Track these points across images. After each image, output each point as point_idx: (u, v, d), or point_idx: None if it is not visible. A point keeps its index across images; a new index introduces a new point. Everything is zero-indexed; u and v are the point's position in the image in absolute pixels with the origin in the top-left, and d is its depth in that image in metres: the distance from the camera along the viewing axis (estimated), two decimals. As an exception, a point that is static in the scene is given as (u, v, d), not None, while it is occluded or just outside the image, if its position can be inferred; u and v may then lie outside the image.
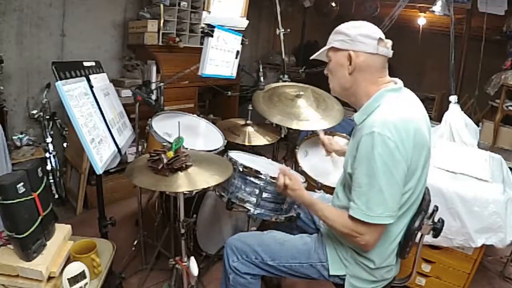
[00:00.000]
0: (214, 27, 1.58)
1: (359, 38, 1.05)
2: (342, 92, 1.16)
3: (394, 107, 1.03)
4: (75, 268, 1.10)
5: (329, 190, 1.76)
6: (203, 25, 1.60)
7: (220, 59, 1.71)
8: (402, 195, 1.02)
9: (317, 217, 1.20)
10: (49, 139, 2.45)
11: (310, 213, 1.49)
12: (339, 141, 1.60)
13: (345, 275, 1.16)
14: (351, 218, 1.03)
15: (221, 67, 1.74)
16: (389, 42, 1.08)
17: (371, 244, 1.05)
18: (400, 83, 1.12)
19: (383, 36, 1.08)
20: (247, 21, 1.88)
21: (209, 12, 1.60)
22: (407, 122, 1.00)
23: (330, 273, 1.17)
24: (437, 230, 1.14)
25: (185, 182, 1.19)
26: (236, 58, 1.83)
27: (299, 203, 1.26)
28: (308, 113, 2.03)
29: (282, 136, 2.34)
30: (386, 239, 1.10)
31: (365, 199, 1.00)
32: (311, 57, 1.25)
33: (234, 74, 1.87)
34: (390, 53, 1.08)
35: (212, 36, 1.58)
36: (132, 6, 3.05)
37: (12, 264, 1.04)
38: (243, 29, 1.87)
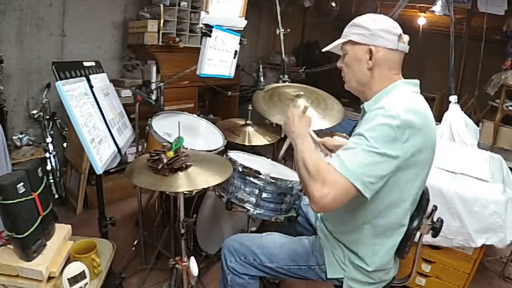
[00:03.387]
0: (212, 27, 1.58)
1: (380, 33, 1.03)
2: (358, 86, 1.12)
3: (410, 96, 1.01)
4: (75, 268, 1.10)
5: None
6: (201, 25, 1.60)
7: (218, 59, 1.71)
8: (387, 177, 0.95)
9: (298, 150, 1.07)
10: (49, 139, 2.45)
11: (306, 215, 1.49)
12: (334, 141, 1.54)
13: (343, 278, 1.16)
14: (327, 164, 0.95)
15: (219, 67, 1.74)
16: (406, 37, 1.06)
17: (326, 202, 0.91)
18: (418, 82, 1.10)
19: (401, 32, 1.06)
20: (246, 21, 1.88)
21: (208, 12, 1.60)
22: (420, 114, 0.96)
23: (328, 276, 1.17)
24: (436, 230, 1.14)
25: (185, 182, 1.19)
26: (234, 58, 1.83)
27: (293, 134, 1.13)
28: (308, 113, 2.02)
29: (282, 136, 2.33)
30: (381, 243, 1.10)
31: (349, 153, 0.93)
32: (324, 49, 1.20)
33: (232, 74, 1.87)
34: (407, 48, 1.06)
35: (210, 36, 1.58)
36: (132, 6, 3.05)
37: (12, 264, 1.04)
38: (242, 29, 1.87)
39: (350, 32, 1.09)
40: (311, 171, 0.96)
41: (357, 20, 1.09)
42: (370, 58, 1.05)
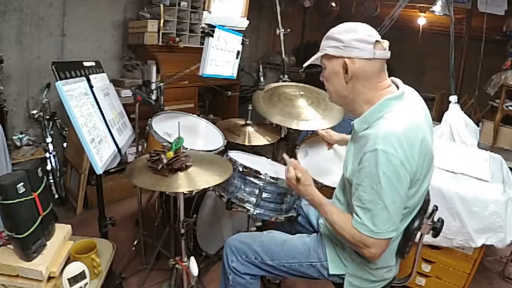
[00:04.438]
0: (214, 27, 1.58)
1: (353, 44, 0.99)
2: (340, 100, 1.11)
3: (399, 117, 0.98)
4: (75, 268, 1.10)
5: (330, 190, 1.75)
6: (203, 25, 1.60)
7: (221, 59, 1.71)
8: (404, 204, 1.01)
9: (324, 219, 1.14)
10: (49, 139, 2.45)
11: (307, 216, 1.49)
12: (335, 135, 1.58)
13: (344, 274, 1.16)
14: (358, 230, 1.00)
15: (222, 67, 1.74)
16: (385, 43, 1.01)
17: (377, 256, 1.02)
18: (401, 85, 1.07)
19: (379, 38, 1.01)
20: (248, 21, 1.88)
21: (210, 12, 1.60)
22: (412, 132, 0.96)
23: (330, 272, 1.17)
24: (436, 230, 1.14)
25: (185, 182, 1.19)
26: (237, 58, 1.83)
27: (308, 201, 1.18)
28: (308, 113, 2.02)
29: (282, 136, 2.34)
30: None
31: (370, 215, 0.97)
32: (304, 64, 1.19)
33: (235, 74, 1.87)
34: (387, 54, 1.01)
35: (212, 36, 1.58)
36: (132, 6, 3.05)
37: (12, 264, 1.04)
38: (244, 29, 1.87)
39: (326, 45, 1.06)
40: (352, 241, 1.03)
41: (331, 32, 1.06)
42: (346, 72, 1.02)
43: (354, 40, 0.99)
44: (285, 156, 1.26)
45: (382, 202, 0.95)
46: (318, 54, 1.10)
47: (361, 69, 1.01)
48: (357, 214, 1.00)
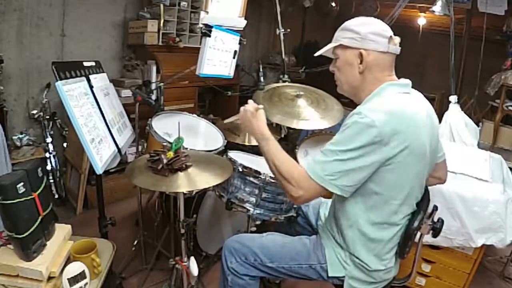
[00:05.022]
0: (211, 27, 1.58)
1: (370, 36, 1.03)
2: (351, 90, 1.14)
3: (393, 99, 1.01)
4: (75, 268, 1.10)
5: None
6: (201, 25, 1.60)
7: (218, 59, 1.71)
8: (365, 178, 0.99)
9: (265, 153, 1.13)
10: (49, 139, 2.45)
11: (306, 216, 1.49)
12: None
13: (344, 277, 1.16)
14: (303, 171, 1.02)
15: (219, 67, 1.74)
16: (397, 39, 1.06)
17: (301, 200, 1.03)
18: (408, 82, 1.09)
19: (392, 33, 1.06)
20: (245, 21, 1.88)
21: (207, 12, 1.60)
22: (403, 116, 0.97)
23: (329, 275, 1.17)
24: (436, 230, 1.14)
25: (185, 182, 1.19)
26: (234, 58, 1.83)
27: (256, 135, 1.18)
28: (308, 113, 2.02)
29: (282, 136, 2.34)
30: (382, 243, 1.10)
31: (324, 159, 0.99)
32: (316, 54, 1.21)
33: (232, 74, 1.87)
34: (398, 50, 1.06)
35: (209, 36, 1.58)
36: (132, 6, 3.05)
37: (12, 264, 1.04)
38: (241, 29, 1.87)
39: (341, 36, 1.09)
40: (285, 176, 1.04)
41: (348, 24, 1.09)
42: (361, 62, 1.06)
43: (371, 33, 1.03)
44: (250, 101, 1.27)
45: (342, 156, 0.96)
46: (332, 44, 1.12)
47: (375, 61, 1.05)
48: (313, 159, 1.02)
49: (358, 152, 0.95)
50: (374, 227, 1.08)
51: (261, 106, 1.22)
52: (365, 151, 0.95)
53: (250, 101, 1.24)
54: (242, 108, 1.23)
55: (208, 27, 1.57)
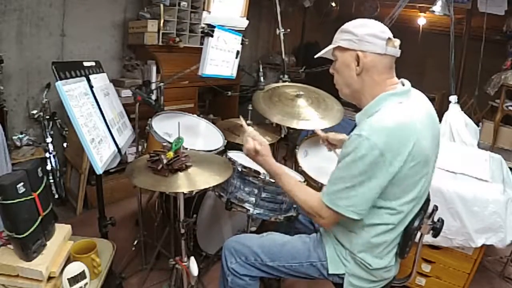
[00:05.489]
0: (214, 27, 1.58)
1: (367, 38, 1.03)
2: (350, 93, 1.13)
3: (393, 112, 1.00)
4: (75, 268, 1.10)
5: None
6: (203, 25, 1.60)
7: (220, 59, 1.71)
8: (376, 197, 1.01)
9: (281, 187, 1.17)
10: (49, 139, 2.45)
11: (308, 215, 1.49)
12: (337, 135, 1.57)
13: (344, 274, 1.16)
14: (320, 199, 1.05)
15: (221, 67, 1.74)
16: (397, 41, 1.05)
17: (326, 226, 1.10)
18: (407, 85, 1.08)
19: (391, 35, 1.05)
20: (247, 21, 1.88)
21: (209, 12, 1.60)
22: (404, 130, 0.97)
23: (329, 272, 1.17)
24: (436, 230, 1.14)
25: (185, 183, 1.19)
26: (236, 58, 1.83)
27: (266, 171, 1.21)
28: (308, 113, 2.03)
29: (282, 136, 2.34)
30: (383, 243, 1.10)
31: (336, 188, 1.02)
32: (316, 56, 1.22)
33: (234, 74, 1.87)
34: (398, 52, 1.05)
35: (212, 36, 1.58)
36: (132, 6, 3.05)
37: (12, 264, 1.04)
38: (243, 29, 1.87)
39: (339, 38, 1.09)
40: (304, 208, 1.10)
41: (346, 25, 1.09)
42: (358, 64, 1.05)
43: (367, 35, 1.03)
44: (241, 119, 1.27)
45: (351, 182, 0.99)
46: (331, 46, 1.13)
47: (372, 63, 1.04)
48: (327, 186, 1.05)
49: (364, 176, 0.97)
50: (376, 229, 1.08)
51: (258, 147, 1.18)
52: (372, 173, 0.96)
53: (247, 138, 1.21)
54: (244, 150, 1.22)
55: (211, 27, 1.57)
